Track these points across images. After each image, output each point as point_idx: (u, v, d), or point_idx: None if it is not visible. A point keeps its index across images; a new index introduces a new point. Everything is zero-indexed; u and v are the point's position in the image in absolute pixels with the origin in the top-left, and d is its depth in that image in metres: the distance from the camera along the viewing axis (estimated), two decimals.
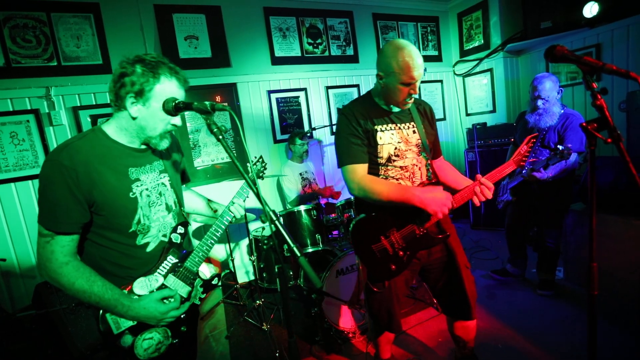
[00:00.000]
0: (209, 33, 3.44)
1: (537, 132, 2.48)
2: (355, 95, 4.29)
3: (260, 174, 1.77)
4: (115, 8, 3.07)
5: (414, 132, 1.59)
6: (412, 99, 1.53)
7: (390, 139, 1.55)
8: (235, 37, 3.57)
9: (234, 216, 1.36)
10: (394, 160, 1.56)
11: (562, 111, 2.42)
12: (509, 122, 4.23)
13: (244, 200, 1.41)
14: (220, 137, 1.01)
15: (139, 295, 1.14)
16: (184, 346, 1.25)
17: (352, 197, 2.79)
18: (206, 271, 1.29)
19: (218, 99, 3.54)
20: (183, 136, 3.40)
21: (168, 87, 1.09)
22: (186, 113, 3.41)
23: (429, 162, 1.63)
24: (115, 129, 1.14)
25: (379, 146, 1.54)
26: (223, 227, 1.31)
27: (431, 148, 1.67)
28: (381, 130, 1.55)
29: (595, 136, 0.95)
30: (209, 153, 3.54)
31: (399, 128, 1.57)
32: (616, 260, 2.24)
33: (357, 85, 4.29)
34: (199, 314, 1.34)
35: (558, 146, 2.04)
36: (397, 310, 1.65)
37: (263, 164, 1.78)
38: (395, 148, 1.55)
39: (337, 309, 2.37)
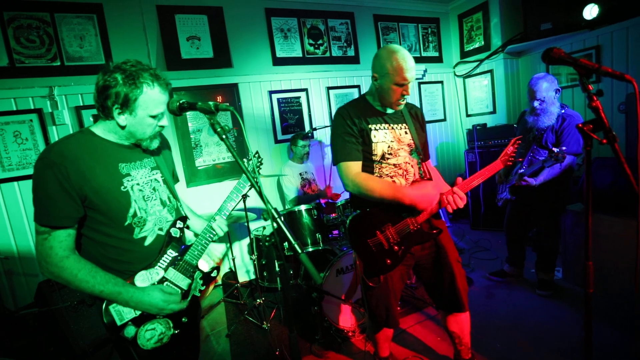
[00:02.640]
0: (210, 34, 3.46)
1: (536, 132, 2.51)
2: (356, 96, 4.31)
3: (257, 170, 1.76)
4: (118, 9, 3.09)
5: (406, 132, 1.69)
6: (405, 101, 1.63)
7: (384, 137, 1.64)
8: (237, 38, 3.59)
9: (217, 234, 1.33)
10: (388, 158, 1.64)
11: (563, 111, 2.43)
12: (509, 123, 4.25)
13: (226, 216, 1.37)
14: (224, 136, 1.05)
15: None
16: (186, 341, 1.27)
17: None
18: (205, 265, 1.33)
19: (219, 99, 3.55)
20: (184, 136, 3.43)
21: (152, 95, 1.11)
22: (188, 113, 3.44)
23: (420, 161, 1.73)
24: (103, 130, 1.17)
25: (373, 144, 1.62)
26: (209, 241, 1.31)
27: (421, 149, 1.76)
28: (375, 129, 1.64)
29: (591, 137, 0.98)
30: (211, 153, 3.55)
31: (392, 128, 1.67)
32: (613, 260, 2.26)
33: (358, 86, 4.30)
34: (199, 305, 1.36)
35: (554, 149, 2.08)
36: (394, 306, 1.72)
37: (259, 159, 1.76)
38: (389, 146, 1.64)
39: (336, 308, 2.39)
